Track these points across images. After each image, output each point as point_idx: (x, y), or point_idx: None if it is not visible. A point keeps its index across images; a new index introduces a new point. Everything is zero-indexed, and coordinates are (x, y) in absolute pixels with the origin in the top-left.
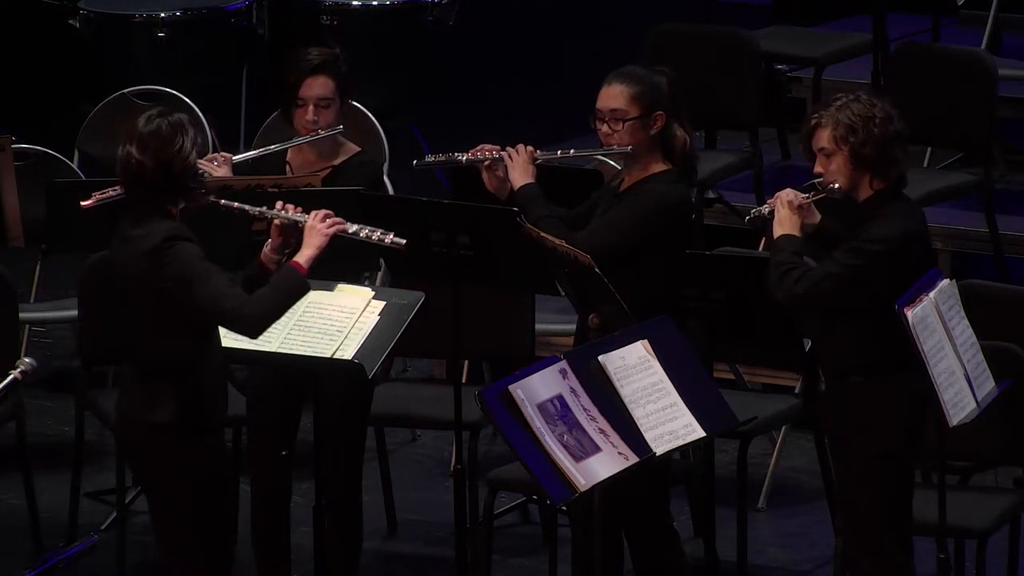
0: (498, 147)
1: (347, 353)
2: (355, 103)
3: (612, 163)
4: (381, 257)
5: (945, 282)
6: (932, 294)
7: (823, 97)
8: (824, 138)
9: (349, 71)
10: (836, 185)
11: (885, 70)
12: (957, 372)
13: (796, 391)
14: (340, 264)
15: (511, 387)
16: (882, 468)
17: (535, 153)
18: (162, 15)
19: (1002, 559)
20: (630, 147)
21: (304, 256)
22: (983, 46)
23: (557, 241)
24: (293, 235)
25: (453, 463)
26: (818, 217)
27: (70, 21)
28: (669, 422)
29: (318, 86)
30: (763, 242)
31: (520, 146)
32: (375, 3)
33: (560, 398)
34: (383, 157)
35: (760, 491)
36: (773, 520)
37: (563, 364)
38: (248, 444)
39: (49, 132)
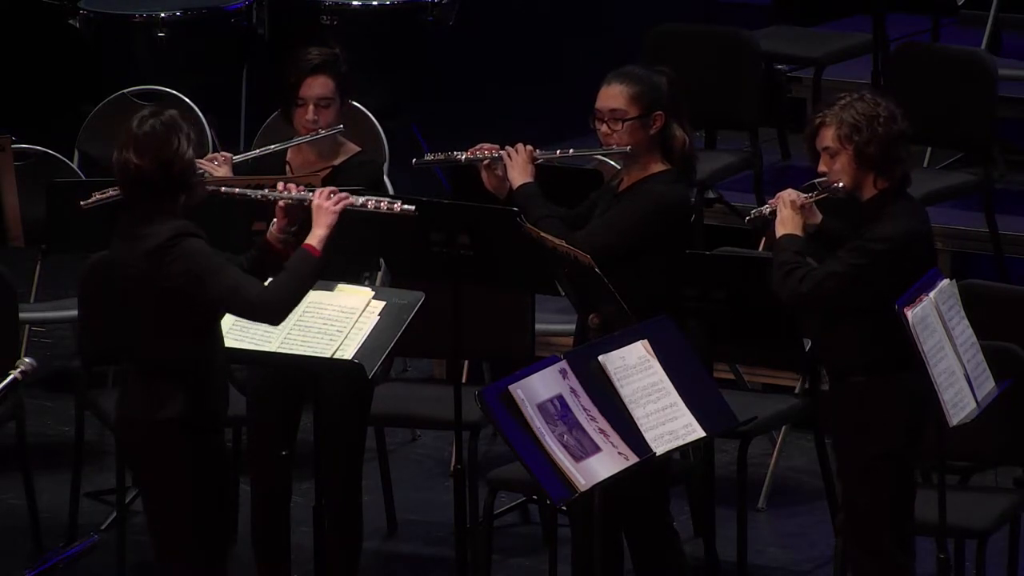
0: (497, 146)
1: (347, 353)
2: (355, 103)
3: (612, 163)
4: (381, 256)
5: (945, 282)
6: (932, 294)
7: (823, 97)
8: (828, 137)
9: (349, 71)
10: (840, 184)
11: (885, 70)
12: (957, 372)
13: (796, 391)
14: (340, 264)
15: (511, 387)
16: (883, 468)
17: (534, 153)
18: (162, 15)
19: (1002, 559)
20: (629, 147)
21: (316, 237)
22: (983, 46)
23: (557, 241)
24: (298, 212)
25: (453, 463)
26: (819, 217)
27: (70, 21)
28: (669, 422)
29: (318, 86)
30: (763, 242)
31: (519, 145)
32: (375, 3)
33: (560, 398)
34: (383, 157)
35: (760, 491)
36: (773, 520)
37: (563, 364)
38: (248, 444)
39: (49, 132)
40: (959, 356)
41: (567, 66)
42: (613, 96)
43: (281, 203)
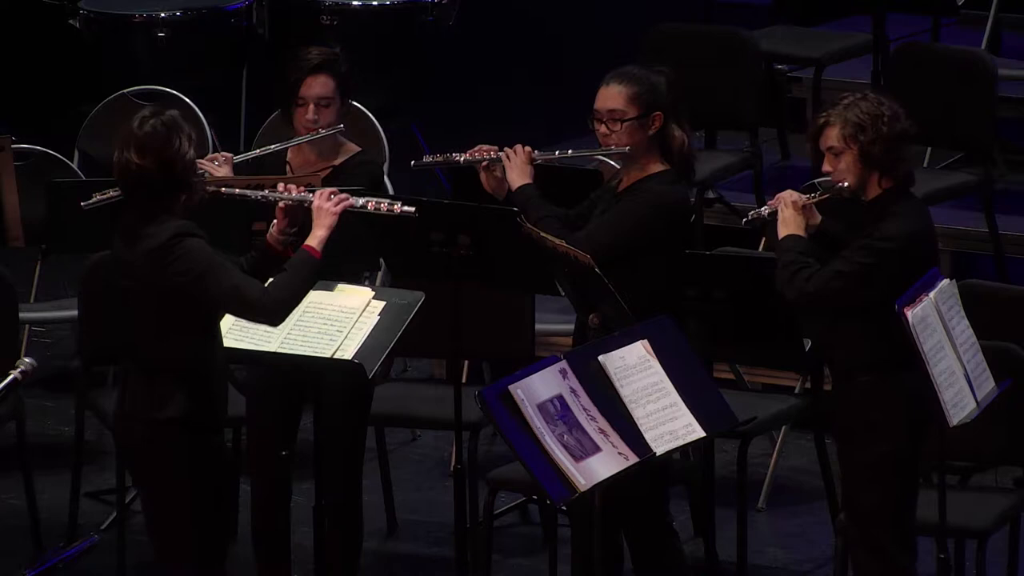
0: (496, 147)
1: (347, 353)
2: (355, 103)
3: (612, 163)
4: (381, 256)
5: (945, 282)
6: (932, 294)
7: (823, 97)
8: (833, 137)
9: (349, 71)
10: (845, 184)
11: (885, 70)
12: (957, 372)
13: (796, 391)
14: (340, 264)
15: (511, 387)
16: (889, 467)
17: (533, 154)
18: (162, 15)
19: (1002, 559)
20: (628, 147)
21: (316, 238)
22: (983, 46)
23: (557, 241)
24: (299, 214)
25: (453, 463)
26: (819, 218)
27: (70, 21)
28: (669, 422)
29: (318, 85)
30: (763, 242)
31: (518, 147)
32: (375, 3)
33: (560, 398)
34: (383, 157)
35: (760, 491)
36: (773, 520)
37: (563, 364)
38: (248, 444)
39: (49, 132)
40: (959, 356)
41: (567, 66)
42: (611, 97)
43: (281, 204)
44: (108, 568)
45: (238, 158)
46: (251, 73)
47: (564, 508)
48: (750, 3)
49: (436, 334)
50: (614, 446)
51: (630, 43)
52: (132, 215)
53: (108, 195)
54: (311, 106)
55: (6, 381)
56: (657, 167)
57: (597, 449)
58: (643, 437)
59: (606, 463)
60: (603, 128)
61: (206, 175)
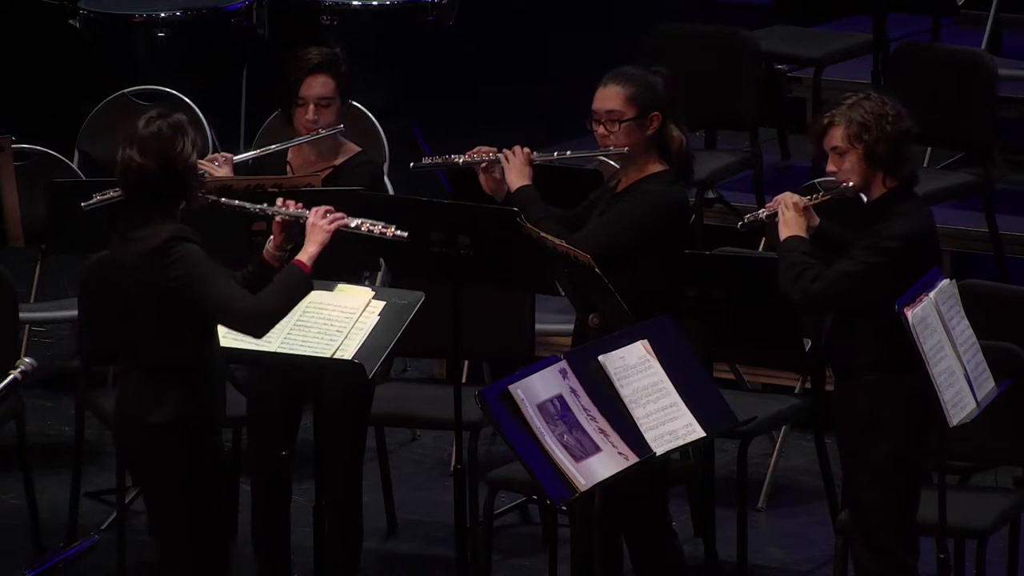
0: (495, 149)
1: (347, 353)
2: (355, 103)
3: (612, 163)
4: (381, 256)
5: (945, 282)
6: (932, 294)
7: (823, 97)
8: (837, 136)
9: (349, 71)
10: (850, 183)
11: (885, 70)
12: (957, 372)
13: (796, 391)
14: (340, 264)
15: (511, 387)
16: (892, 466)
17: (531, 155)
18: (162, 15)
19: (1002, 559)
20: (626, 148)
21: (307, 254)
22: (983, 46)
23: (557, 241)
24: (295, 231)
25: (453, 463)
26: (817, 220)
27: (70, 21)
28: (669, 422)
29: (318, 85)
30: (763, 242)
31: (517, 148)
32: (375, 3)
33: (560, 398)
34: (383, 157)
35: (760, 491)
36: (773, 520)
37: (563, 364)
38: (248, 444)
39: (49, 132)
40: (959, 356)
41: (566, 67)
42: (609, 97)
43: (278, 219)
44: (108, 568)
45: (238, 158)
46: (251, 73)
47: (564, 508)
48: (750, 3)
49: (436, 334)
50: (614, 446)
51: (630, 43)
52: (130, 215)
53: (108, 195)
54: (311, 106)
55: (6, 381)
56: (656, 167)
57: (597, 449)
58: (643, 437)
59: (606, 463)
60: (601, 129)
61: (206, 175)
